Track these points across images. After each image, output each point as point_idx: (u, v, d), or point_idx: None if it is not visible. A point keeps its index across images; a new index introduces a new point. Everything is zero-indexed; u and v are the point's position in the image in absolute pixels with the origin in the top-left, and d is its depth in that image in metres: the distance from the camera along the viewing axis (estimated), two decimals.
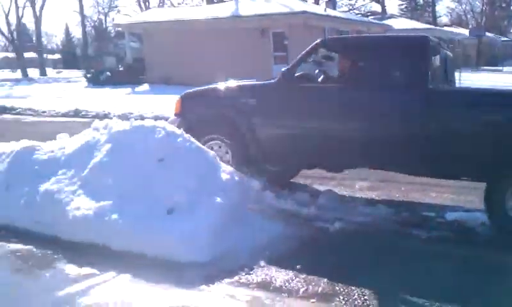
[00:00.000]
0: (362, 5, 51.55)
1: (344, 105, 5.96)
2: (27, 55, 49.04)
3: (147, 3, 50.12)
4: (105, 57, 35.43)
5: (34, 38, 51.63)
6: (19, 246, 5.20)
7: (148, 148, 5.77)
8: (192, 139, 6.06)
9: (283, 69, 6.28)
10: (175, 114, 6.99)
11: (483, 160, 5.35)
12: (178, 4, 47.65)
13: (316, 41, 6.27)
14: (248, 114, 6.38)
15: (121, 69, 29.75)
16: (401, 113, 5.66)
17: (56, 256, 4.92)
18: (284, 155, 6.48)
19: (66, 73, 46.14)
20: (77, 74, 37.01)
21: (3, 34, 51.10)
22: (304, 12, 24.66)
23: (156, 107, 15.96)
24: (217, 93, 6.81)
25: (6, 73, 45.92)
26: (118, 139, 5.96)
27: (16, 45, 47.68)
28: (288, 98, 6.24)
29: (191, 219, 5.04)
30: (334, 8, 34.17)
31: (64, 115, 17.07)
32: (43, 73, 43.84)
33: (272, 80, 6.51)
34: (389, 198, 6.85)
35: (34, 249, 5.11)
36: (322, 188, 7.12)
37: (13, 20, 47.33)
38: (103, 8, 53.62)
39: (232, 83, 6.80)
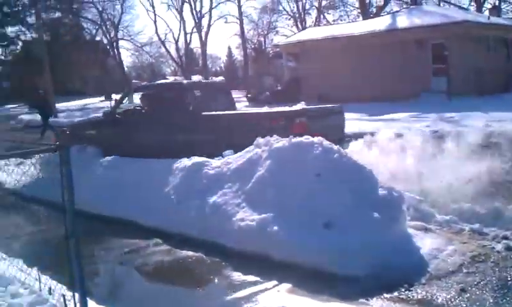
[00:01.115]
0: None
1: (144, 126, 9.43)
2: (194, 77, 53.21)
3: (304, 23, 51.36)
4: (264, 78, 37.08)
5: (200, 61, 55.76)
6: (190, 253, 5.73)
7: (306, 163, 5.99)
8: (349, 155, 6.17)
9: (105, 110, 10.81)
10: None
11: None
12: (334, 21, 48.13)
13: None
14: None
15: (279, 88, 30.87)
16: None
17: (223, 264, 5.33)
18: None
19: None
20: (238, 94, 39.11)
21: (173, 59, 56.02)
22: (465, 21, 23.43)
23: None
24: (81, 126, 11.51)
25: None
26: (278, 155, 6.28)
27: (184, 68, 52.05)
28: (111, 125, 9.91)
29: (348, 233, 5.13)
30: (499, 15, 31.89)
31: None
32: None
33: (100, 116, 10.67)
34: None
35: (204, 257, 5.59)
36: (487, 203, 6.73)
37: (181, 45, 52.00)
38: (262, 30, 56.03)
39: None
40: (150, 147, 8.83)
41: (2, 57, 55.83)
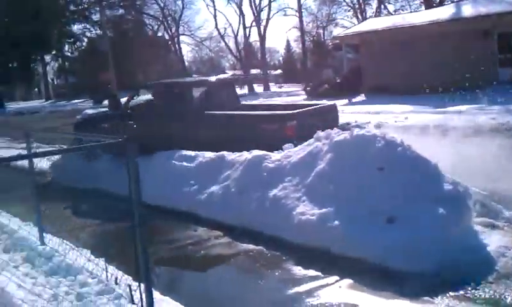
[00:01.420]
0: None
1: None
2: (252, 71, 53.43)
3: (364, 14, 50.44)
4: (323, 70, 36.73)
5: (259, 55, 55.87)
6: (251, 246, 5.76)
7: (368, 157, 5.88)
8: (413, 148, 6.01)
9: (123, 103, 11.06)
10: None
11: None
12: (395, 11, 46.97)
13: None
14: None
15: (338, 81, 30.49)
16: None
17: (283, 258, 5.33)
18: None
19: (287, 87, 48.82)
20: (296, 88, 38.91)
21: (232, 53, 56.47)
22: None
23: (372, 116, 15.96)
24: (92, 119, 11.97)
25: None
26: (339, 149, 6.19)
27: (243, 62, 52.37)
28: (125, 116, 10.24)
29: (412, 229, 5.00)
30: None
31: None
32: (266, 88, 47.14)
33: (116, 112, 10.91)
34: None
35: (265, 250, 5.60)
36: None
37: (240, 39, 52.31)
38: (321, 22, 55.46)
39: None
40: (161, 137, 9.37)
41: (69, 54, 58.03)
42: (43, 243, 5.37)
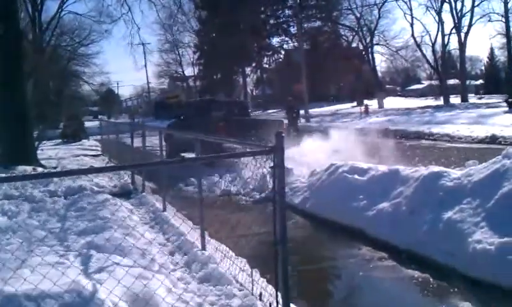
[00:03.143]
0: None
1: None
2: (450, 82, 50.10)
3: None
4: None
5: (458, 65, 52.34)
6: (416, 273, 5.17)
7: None
8: None
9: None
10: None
11: None
12: None
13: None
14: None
15: None
16: None
17: (450, 290, 4.67)
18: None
19: (487, 98, 44.92)
20: (498, 99, 35.45)
21: (428, 62, 53.73)
22: None
23: None
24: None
25: (429, 101, 47.77)
26: None
27: (440, 72, 49.33)
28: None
29: None
30: None
31: (479, 142, 16.49)
32: (464, 99, 43.85)
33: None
34: None
35: (431, 279, 4.98)
36: None
37: (438, 48, 49.41)
38: None
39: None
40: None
41: (267, 66, 61.04)
42: (204, 248, 5.46)
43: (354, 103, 44.86)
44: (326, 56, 51.93)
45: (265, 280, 4.57)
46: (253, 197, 9.73)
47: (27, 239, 5.77)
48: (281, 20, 56.86)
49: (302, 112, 28.55)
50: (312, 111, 36.28)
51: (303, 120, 30.84)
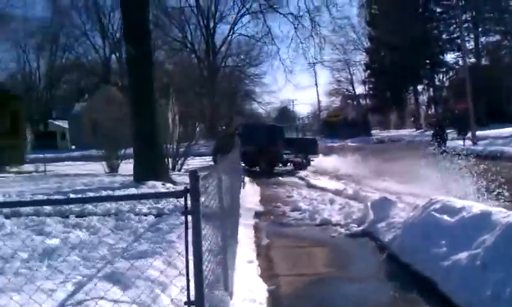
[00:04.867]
0: None
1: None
2: None
3: None
4: None
5: None
6: None
7: None
8: None
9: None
10: None
11: None
12: None
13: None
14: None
15: None
16: None
17: None
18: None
19: None
20: None
21: None
22: None
23: None
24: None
25: None
26: None
27: None
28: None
29: None
30: None
31: None
32: None
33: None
34: None
35: None
36: None
37: None
38: None
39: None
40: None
41: (439, 84, 57.43)
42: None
43: None
44: (507, 72, 46.93)
45: None
46: (349, 229, 8.96)
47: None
48: (454, 35, 53.03)
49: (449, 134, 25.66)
50: (490, 132, 32.50)
51: (468, 142, 28.40)
